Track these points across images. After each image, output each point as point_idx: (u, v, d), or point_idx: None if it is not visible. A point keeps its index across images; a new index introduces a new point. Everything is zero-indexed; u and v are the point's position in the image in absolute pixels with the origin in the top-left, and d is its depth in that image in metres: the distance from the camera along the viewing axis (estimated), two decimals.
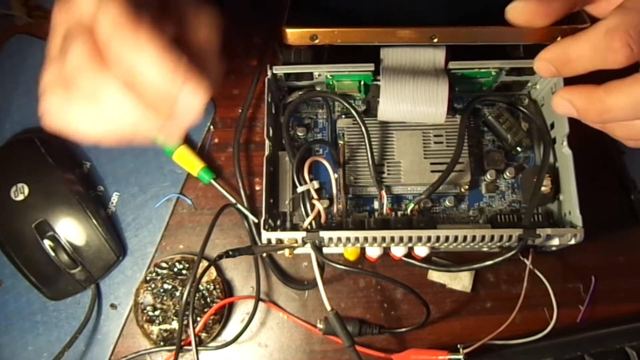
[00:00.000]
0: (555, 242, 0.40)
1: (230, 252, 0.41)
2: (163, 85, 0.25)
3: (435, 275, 0.47)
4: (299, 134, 0.46)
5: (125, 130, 0.26)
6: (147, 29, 0.25)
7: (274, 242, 0.40)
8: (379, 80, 0.41)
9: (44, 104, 0.26)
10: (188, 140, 0.50)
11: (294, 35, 0.37)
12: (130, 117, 0.26)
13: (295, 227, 0.43)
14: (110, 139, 0.26)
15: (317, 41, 0.35)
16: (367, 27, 0.35)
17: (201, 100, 0.26)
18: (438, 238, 0.38)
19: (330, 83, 0.44)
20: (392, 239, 0.39)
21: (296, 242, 0.39)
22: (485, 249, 0.45)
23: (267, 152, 0.41)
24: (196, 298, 0.45)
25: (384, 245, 0.40)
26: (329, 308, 0.39)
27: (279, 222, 0.43)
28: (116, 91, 0.25)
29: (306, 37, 0.34)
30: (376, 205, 0.44)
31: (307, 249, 0.40)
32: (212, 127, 0.51)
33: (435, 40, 0.35)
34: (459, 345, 0.43)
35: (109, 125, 0.26)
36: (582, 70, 0.31)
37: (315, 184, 0.41)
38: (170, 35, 0.26)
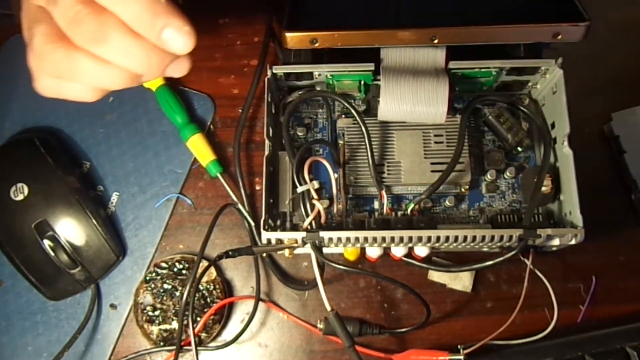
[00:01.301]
0: (556, 242, 0.40)
1: (230, 252, 0.41)
2: (147, 24, 0.25)
3: (435, 275, 0.47)
4: (299, 133, 0.46)
5: (126, 71, 0.27)
6: None
7: (274, 242, 0.40)
8: (379, 80, 0.41)
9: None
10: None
11: (294, 39, 0.37)
12: (133, 57, 0.26)
13: (295, 227, 0.43)
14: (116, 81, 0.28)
15: (317, 45, 0.35)
16: (367, 29, 0.35)
17: (187, 36, 0.26)
18: (438, 238, 0.38)
19: (330, 83, 0.44)
20: (392, 239, 0.39)
21: (296, 242, 0.39)
22: (485, 249, 0.45)
23: (267, 152, 0.41)
24: (196, 298, 0.45)
25: (384, 245, 0.40)
26: (329, 308, 0.39)
27: (279, 222, 0.43)
28: (119, 34, 0.26)
29: (306, 41, 0.34)
30: (376, 205, 0.44)
31: (307, 249, 0.40)
32: (212, 126, 0.51)
33: (436, 41, 0.35)
34: (459, 346, 0.43)
35: (116, 63, 0.27)
36: None
37: (315, 184, 0.41)
38: None
